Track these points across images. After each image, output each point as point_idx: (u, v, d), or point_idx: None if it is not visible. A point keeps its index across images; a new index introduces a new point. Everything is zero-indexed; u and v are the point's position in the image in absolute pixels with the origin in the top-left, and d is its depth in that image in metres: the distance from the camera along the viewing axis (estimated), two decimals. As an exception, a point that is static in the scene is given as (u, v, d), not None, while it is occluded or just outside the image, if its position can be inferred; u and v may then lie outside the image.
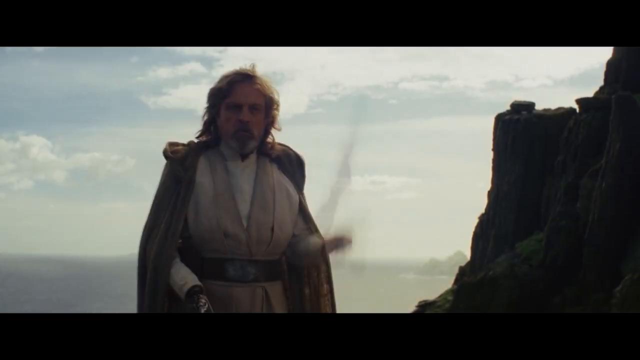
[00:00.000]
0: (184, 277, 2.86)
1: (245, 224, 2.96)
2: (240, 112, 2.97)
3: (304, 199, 3.15)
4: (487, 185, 23.03)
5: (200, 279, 2.88)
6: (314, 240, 3.03)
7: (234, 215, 2.95)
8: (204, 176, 3.00)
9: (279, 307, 3.01)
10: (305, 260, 3.08)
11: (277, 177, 3.08)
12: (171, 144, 3.07)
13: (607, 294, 15.20)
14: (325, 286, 3.14)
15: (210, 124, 3.06)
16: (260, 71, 3.04)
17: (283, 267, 3.10)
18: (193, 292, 2.80)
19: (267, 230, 2.98)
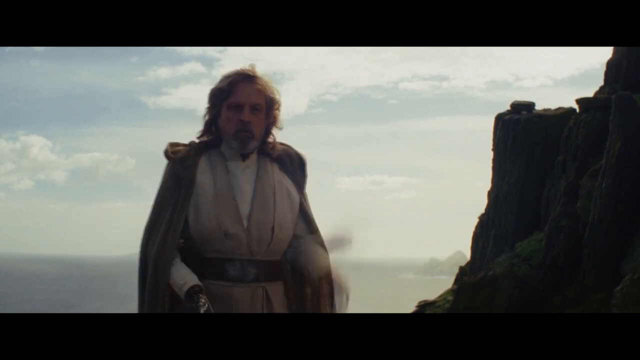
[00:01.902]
0: (183, 276, 2.87)
1: (245, 224, 2.95)
2: (241, 112, 2.97)
3: (306, 199, 3.14)
4: (487, 185, 23.01)
5: (200, 279, 2.88)
6: (319, 263, 3.01)
7: (234, 216, 2.95)
8: (204, 176, 2.99)
9: (279, 307, 3.01)
10: (309, 274, 3.05)
11: (277, 176, 3.08)
12: (172, 144, 3.07)
13: (607, 295, 15.19)
14: (326, 286, 3.14)
15: (212, 124, 3.06)
16: (261, 71, 3.03)
17: (285, 267, 3.09)
18: (193, 292, 2.80)
19: (267, 231, 2.97)
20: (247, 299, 2.94)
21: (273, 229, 2.98)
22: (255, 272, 2.96)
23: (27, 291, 68.81)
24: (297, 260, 3.08)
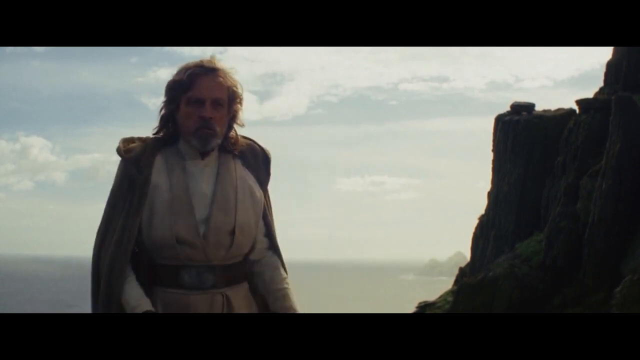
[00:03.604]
0: (137, 298, 2.76)
1: (202, 229, 2.80)
2: (202, 107, 2.78)
3: (268, 197, 3.00)
4: (487, 185, 23.03)
5: (154, 286, 2.80)
6: (282, 304, 2.92)
7: (189, 221, 2.79)
8: (160, 177, 2.82)
9: (242, 311, 2.88)
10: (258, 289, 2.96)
11: (240, 174, 2.91)
12: (125, 141, 2.89)
13: (607, 295, 15.19)
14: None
15: (168, 120, 2.87)
16: (222, 64, 2.86)
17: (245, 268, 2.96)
18: None
19: (226, 234, 2.82)
20: (205, 306, 2.81)
21: (233, 232, 2.83)
22: (213, 278, 2.82)
23: (27, 291, 68.77)
24: (254, 281, 2.97)
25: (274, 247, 2.99)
